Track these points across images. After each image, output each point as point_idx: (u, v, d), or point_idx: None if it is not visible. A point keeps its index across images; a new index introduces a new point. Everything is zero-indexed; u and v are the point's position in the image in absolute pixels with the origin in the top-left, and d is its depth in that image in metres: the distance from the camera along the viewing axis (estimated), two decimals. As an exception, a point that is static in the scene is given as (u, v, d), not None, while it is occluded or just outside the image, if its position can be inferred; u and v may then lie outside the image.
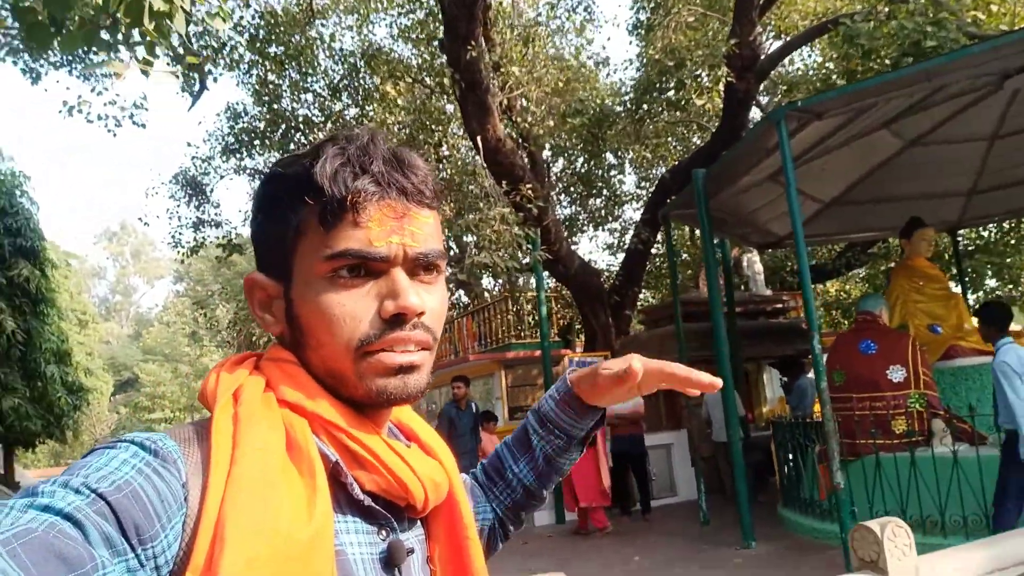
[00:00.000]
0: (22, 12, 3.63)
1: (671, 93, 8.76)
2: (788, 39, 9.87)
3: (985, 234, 13.05)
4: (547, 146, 14.34)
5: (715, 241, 11.96)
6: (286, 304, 0.76)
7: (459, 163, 8.63)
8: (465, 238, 8.98)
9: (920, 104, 7.64)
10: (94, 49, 3.89)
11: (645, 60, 10.19)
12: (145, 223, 13.06)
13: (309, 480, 0.66)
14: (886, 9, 6.56)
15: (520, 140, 11.77)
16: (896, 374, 6.60)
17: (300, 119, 12.42)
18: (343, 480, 0.71)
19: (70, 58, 8.71)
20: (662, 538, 7.99)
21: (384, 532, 0.75)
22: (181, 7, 3.37)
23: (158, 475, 0.62)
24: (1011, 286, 14.77)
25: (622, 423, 9.23)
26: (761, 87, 14.61)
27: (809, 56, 12.84)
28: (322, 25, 11.54)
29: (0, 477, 16.30)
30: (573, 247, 16.94)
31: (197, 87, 9.20)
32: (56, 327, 15.92)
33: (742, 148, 6.92)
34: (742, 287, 13.69)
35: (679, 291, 13.77)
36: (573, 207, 18.01)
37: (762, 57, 8.27)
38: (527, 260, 9.23)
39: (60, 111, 8.96)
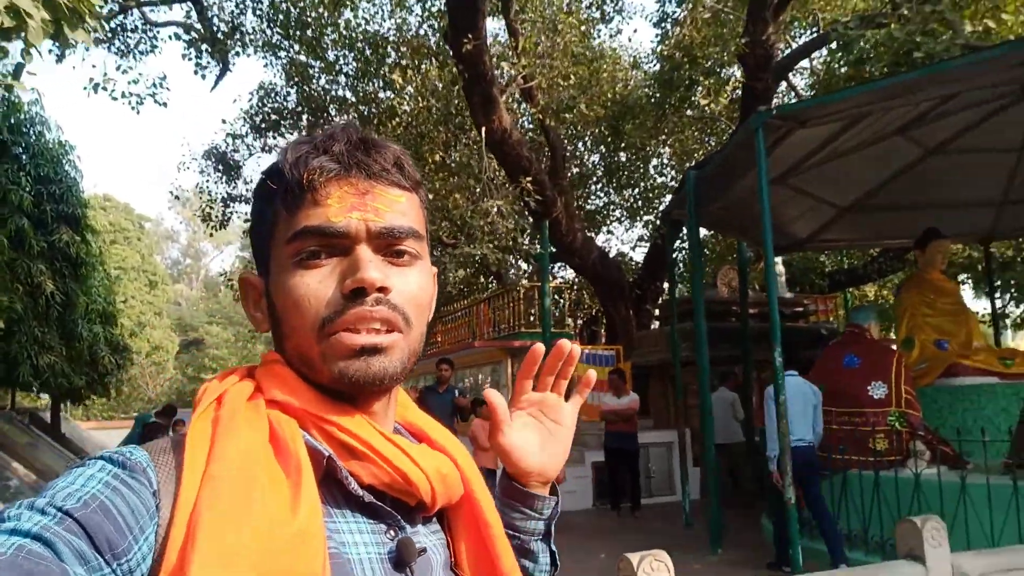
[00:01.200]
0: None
1: (682, 91, 8.61)
2: (803, 41, 9.56)
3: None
4: (577, 136, 14.23)
5: (731, 242, 11.68)
6: (267, 298, 0.75)
7: (465, 154, 8.68)
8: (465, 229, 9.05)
9: (934, 112, 7.36)
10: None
11: (661, 55, 10.03)
12: (176, 196, 13.56)
13: (295, 478, 0.64)
14: (884, 17, 6.30)
15: (544, 131, 11.78)
16: (877, 390, 6.43)
17: (329, 99, 12.67)
18: (339, 476, 0.69)
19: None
20: (640, 536, 8.00)
21: (392, 531, 0.71)
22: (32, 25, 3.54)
23: (126, 486, 0.60)
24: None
25: (616, 419, 9.22)
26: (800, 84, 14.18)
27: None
28: (351, 8, 11.71)
29: (48, 430, 17.37)
30: (604, 238, 16.72)
31: (220, 68, 9.45)
32: (104, 289, 16.74)
33: (729, 152, 6.79)
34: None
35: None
36: (607, 198, 17.88)
37: (778, 57, 8.04)
38: (536, 250, 9.25)
39: (85, 88, 9.44)
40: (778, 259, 13.09)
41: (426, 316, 0.77)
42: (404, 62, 10.23)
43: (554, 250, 11.14)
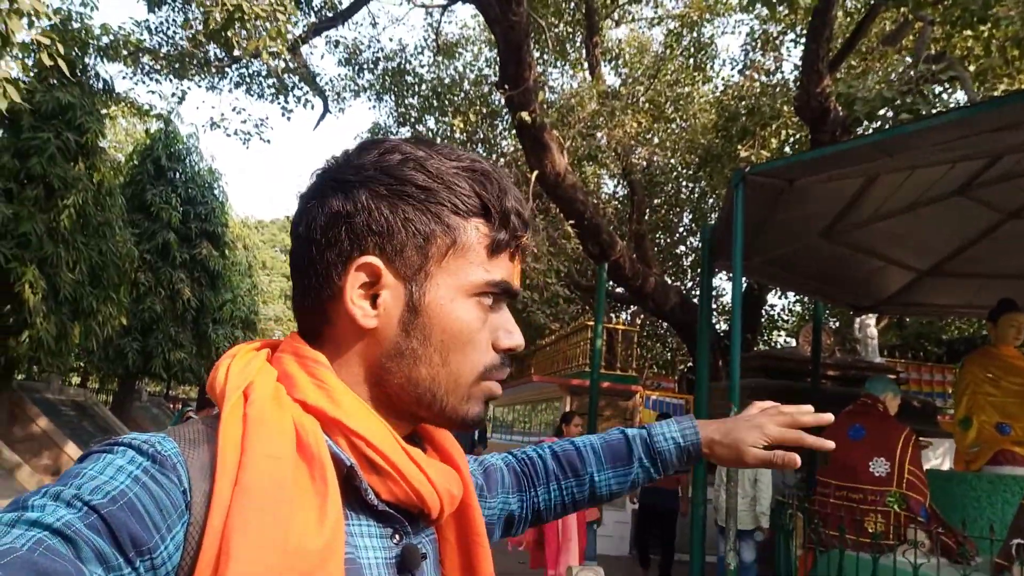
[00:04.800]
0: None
1: (735, 142, 8.47)
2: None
3: None
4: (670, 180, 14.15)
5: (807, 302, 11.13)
6: (408, 307, 0.72)
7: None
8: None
9: (990, 173, 6.80)
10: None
11: (720, 104, 9.89)
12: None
13: (320, 486, 0.63)
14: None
15: (625, 174, 11.98)
16: (880, 467, 6.01)
17: (440, 139, 13.66)
18: (356, 484, 0.68)
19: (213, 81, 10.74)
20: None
21: (398, 536, 0.72)
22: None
23: (156, 482, 0.58)
24: None
25: (656, 472, 8.96)
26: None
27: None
28: (456, 57, 12.62)
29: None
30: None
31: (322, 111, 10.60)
32: (249, 299, 18.85)
33: (727, 209, 6.66)
34: (858, 350, 12.48)
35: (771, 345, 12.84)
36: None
37: (843, 113, 7.72)
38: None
39: (203, 126, 11.02)
40: (870, 321, 12.20)
41: None
42: (464, 109, 10.89)
43: (620, 291, 11.21)
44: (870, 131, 6.25)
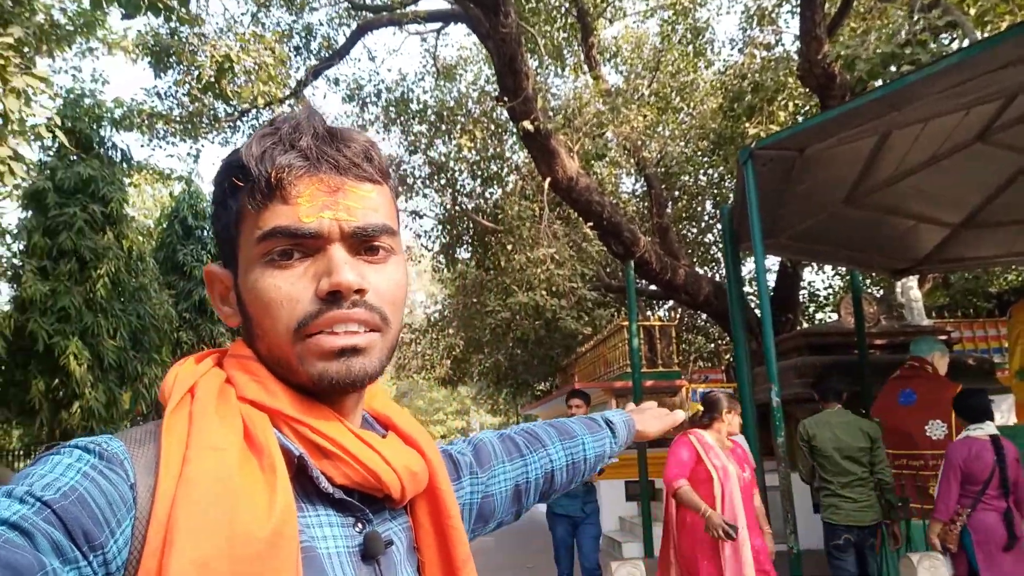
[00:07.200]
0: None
1: (743, 121, 8.35)
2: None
3: None
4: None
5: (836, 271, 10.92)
6: (236, 294, 0.74)
7: (516, 207, 9.03)
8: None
9: (1007, 116, 6.60)
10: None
11: (723, 86, 9.75)
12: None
13: (269, 476, 0.63)
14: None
15: (640, 168, 11.91)
16: (936, 430, 5.81)
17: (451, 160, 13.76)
18: (311, 474, 0.69)
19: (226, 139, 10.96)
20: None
21: (360, 524, 0.72)
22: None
23: (104, 477, 0.59)
24: None
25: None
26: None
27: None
28: (456, 79, 12.73)
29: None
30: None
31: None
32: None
33: (740, 189, 6.56)
34: (904, 315, 12.13)
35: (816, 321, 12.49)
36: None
37: (848, 76, 7.57)
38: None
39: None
40: (912, 284, 11.86)
41: (402, 311, 0.77)
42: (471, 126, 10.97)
43: (653, 288, 11.11)
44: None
